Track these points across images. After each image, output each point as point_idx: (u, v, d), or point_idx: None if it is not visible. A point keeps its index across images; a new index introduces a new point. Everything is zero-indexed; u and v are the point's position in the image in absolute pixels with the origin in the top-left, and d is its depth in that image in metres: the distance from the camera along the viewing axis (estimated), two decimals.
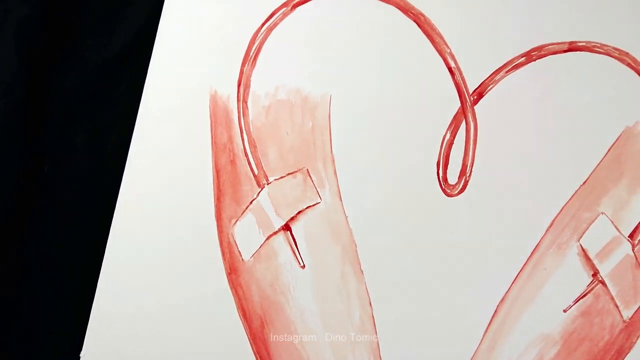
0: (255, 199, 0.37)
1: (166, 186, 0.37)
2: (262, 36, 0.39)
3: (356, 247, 0.37)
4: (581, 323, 0.37)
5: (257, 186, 0.37)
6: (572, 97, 0.39)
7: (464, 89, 0.38)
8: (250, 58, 0.38)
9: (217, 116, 0.38)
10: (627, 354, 0.37)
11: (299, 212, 0.37)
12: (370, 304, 0.37)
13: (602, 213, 0.38)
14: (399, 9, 0.39)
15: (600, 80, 0.39)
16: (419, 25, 0.39)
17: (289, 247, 0.37)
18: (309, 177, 0.38)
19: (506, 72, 0.39)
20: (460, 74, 0.39)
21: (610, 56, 0.39)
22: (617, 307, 0.37)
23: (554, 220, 0.38)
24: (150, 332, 0.36)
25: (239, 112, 0.38)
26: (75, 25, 0.39)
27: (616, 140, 0.38)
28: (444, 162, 0.38)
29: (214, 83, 0.38)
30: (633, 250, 0.38)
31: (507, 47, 0.39)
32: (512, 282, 0.37)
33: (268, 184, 0.38)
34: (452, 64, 0.39)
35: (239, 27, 0.39)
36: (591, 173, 0.38)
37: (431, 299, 0.37)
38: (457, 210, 0.38)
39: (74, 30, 0.38)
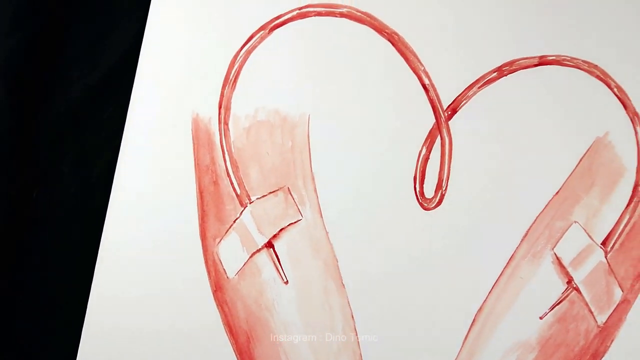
0: (238, 218, 0.39)
1: (151, 208, 0.39)
2: (241, 59, 0.40)
3: (337, 262, 0.39)
4: (557, 329, 0.39)
5: (239, 205, 0.39)
6: (543, 110, 0.40)
7: (438, 105, 0.40)
8: (230, 81, 0.40)
9: (200, 138, 0.39)
10: (601, 358, 0.38)
11: (281, 230, 0.39)
12: (353, 316, 0.38)
13: (575, 222, 0.39)
14: (373, 28, 0.41)
15: (570, 93, 0.41)
16: (393, 44, 0.40)
17: (273, 264, 0.39)
18: (290, 195, 0.39)
19: (479, 87, 0.40)
20: (435, 90, 0.40)
21: (580, 69, 0.41)
22: (591, 312, 0.39)
23: (528, 230, 0.39)
24: (139, 349, 0.38)
25: (220, 134, 0.39)
26: (60, 54, 0.40)
27: (587, 151, 0.40)
28: (420, 176, 0.39)
29: (195, 106, 0.40)
30: (606, 257, 0.39)
31: (479, 63, 0.40)
32: (489, 291, 0.39)
33: (250, 203, 0.39)
34: (426, 81, 0.40)
35: (219, 51, 0.40)
36: (563, 183, 0.40)
37: (411, 311, 0.38)
38: (434, 223, 0.39)
39: (59, 59, 0.40)
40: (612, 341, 0.39)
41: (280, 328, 0.39)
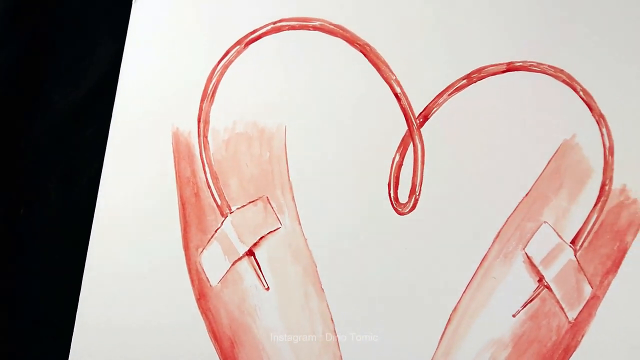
0: (219, 228, 0.41)
1: (135, 221, 0.41)
2: (218, 74, 0.42)
3: (316, 267, 0.40)
4: (530, 326, 0.40)
5: (220, 216, 0.41)
6: (511, 115, 0.42)
7: (410, 113, 0.42)
8: (208, 95, 0.42)
9: (180, 152, 0.41)
10: (573, 352, 0.40)
11: (261, 238, 0.41)
12: (332, 320, 0.40)
13: (545, 222, 0.41)
14: (345, 40, 0.42)
15: (538, 97, 0.42)
16: (365, 55, 0.42)
17: (254, 271, 0.40)
18: (269, 204, 0.41)
19: (449, 94, 0.42)
20: (406, 99, 0.42)
21: (546, 74, 0.42)
22: (562, 309, 0.41)
23: (500, 232, 0.41)
24: (127, 356, 0.39)
25: (200, 147, 0.41)
26: (42, 74, 0.42)
27: (555, 153, 0.42)
28: (394, 182, 0.41)
29: (175, 121, 0.41)
30: (575, 255, 0.41)
31: (448, 71, 0.42)
32: (464, 292, 0.40)
33: (231, 213, 0.41)
34: (398, 90, 0.42)
35: (196, 66, 0.42)
36: (533, 185, 0.41)
37: (388, 312, 0.40)
38: (408, 227, 0.41)
39: (41, 80, 0.42)
40: (582, 336, 0.41)
41: (262, 333, 0.40)
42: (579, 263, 0.41)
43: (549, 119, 0.42)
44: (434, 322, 0.41)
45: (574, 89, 0.43)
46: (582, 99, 0.43)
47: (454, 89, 0.42)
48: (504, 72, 0.43)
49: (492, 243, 0.41)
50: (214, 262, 0.41)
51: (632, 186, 0.42)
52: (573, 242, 0.42)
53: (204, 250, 0.41)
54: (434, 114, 0.42)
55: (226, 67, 0.42)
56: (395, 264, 0.41)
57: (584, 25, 0.43)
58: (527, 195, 0.42)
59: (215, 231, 0.41)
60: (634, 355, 0.40)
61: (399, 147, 0.42)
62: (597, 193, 0.42)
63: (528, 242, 0.41)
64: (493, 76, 0.43)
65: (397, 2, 0.43)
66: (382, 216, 0.41)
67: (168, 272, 0.41)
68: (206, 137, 0.42)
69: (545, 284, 0.41)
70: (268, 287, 0.41)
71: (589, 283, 0.41)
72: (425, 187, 0.42)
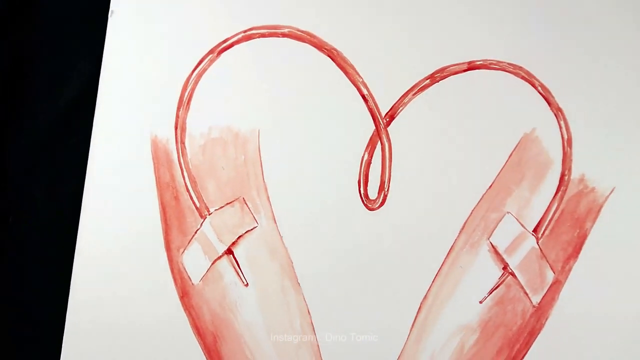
0: (199, 229, 0.43)
1: (119, 225, 0.43)
2: (192, 82, 0.44)
3: (292, 263, 0.43)
4: (496, 312, 0.43)
5: (199, 217, 0.43)
6: (474, 112, 0.44)
7: (377, 113, 0.44)
8: (184, 103, 0.44)
9: (159, 158, 0.44)
10: (537, 335, 0.43)
11: (239, 237, 0.43)
12: (309, 312, 0.43)
13: (508, 212, 0.44)
14: (313, 46, 0.45)
15: (498, 94, 0.45)
16: (332, 59, 0.45)
17: (233, 269, 0.43)
18: (245, 205, 0.43)
19: (413, 94, 0.44)
20: (373, 100, 0.44)
21: (506, 71, 0.45)
22: (526, 294, 0.43)
23: (465, 223, 0.44)
24: (116, 354, 0.42)
25: (178, 153, 0.44)
26: (25, 88, 0.44)
27: (516, 146, 0.44)
28: (364, 180, 0.44)
29: (153, 128, 0.44)
30: (537, 243, 0.44)
31: (412, 72, 0.45)
32: (432, 281, 0.43)
33: (209, 214, 0.43)
34: (365, 92, 0.44)
35: (172, 76, 0.44)
36: (496, 178, 0.44)
37: (361, 302, 0.43)
38: (379, 222, 0.43)
39: (24, 93, 0.44)
40: (546, 319, 0.43)
41: (243, 327, 0.43)
42: (541, 250, 0.44)
43: (510, 114, 0.45)
44: (405, 311, 0.43)
45: (533, 85, 0.45)
46: (541, 94, 0.45)
47: (418, 88, 0.45)
48: (465, 71, 0.45)
49: (459, 234, 0.44)
50: (195, 261, 0.43)
51: (590, 175, 0.45)
52: (535, 230, 0.44)
53: (185, 251, 0.43)
54: (399, 114, 0.45)
55: (200, 75, 0.45)
56: (366, 257, 0.44)
57: (540, 24, 0.46)
58: (490, 187, 0.44)
59: (195, 232, 0.44)
60: (595, 337, 0.43)
61: (367, 146, 0.45)
62: (557, 183, 0.45)
63: (492, 232, 0.44)
64: (455, 75, 0.45)
65: (362, 8, 0.46)
66: (353, 212, 0.44)
67: (152, 272, 0.43)
68: (183, 143, 0.44)
69: (510, 271, 0.44)
70: (247, 284, 0.43)
71: (551, 269, 0.44)
72: (394, 183, 0.44)
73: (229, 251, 0.44)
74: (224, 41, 0.45)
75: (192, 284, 0.44)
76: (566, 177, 0.45)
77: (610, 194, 0.45)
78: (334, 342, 0.43)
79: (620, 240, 0.44)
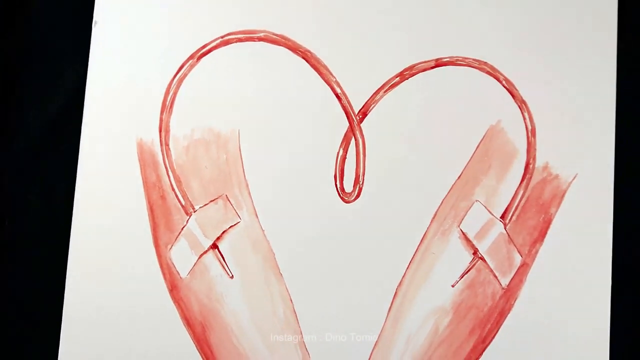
0: (185, 225, 0.46)
1: (109, 224, 0.46)
2: (174, 87, 0.47)
3: (274, 255, 0.46)
4: (467, 294, 0.46)
5: (185, 215, 0.46)
6: (442, 106, 0.47)
7: (351, 111, 0.47)
8: (167, 107, 0.47)
9: (145, 160, 0.46)
10: (507, 315, 0.46)
11: (223, 232, 0.46)
12: (291, 300, 0.46)
13: (477, 201, 0.47)
14: (288, 48, 0.48)
15: (465, 89, 0.48)
16: (306, 60, 0.47)
17: (218, 262, 0.46)
18: (228, 202, 0.46)
19: (384, 92, 0.47)
20: (346, 98, 0.47)
21: (471, 67, 0.48)
22: (496, 277, 0.46)
23: (436, 212, 0.47)
24: (111, 345, 0.45)
25: (162, 154, 0.46)
26: (16, 96, 0.47)
27: (483, 138, 0.47)
28: (339, 174, 0.47)
29: (139, 132, 0.47)
30: (505, 228, 0.47)
31: (383, 71, 0.48)
32: (407, 268, 0.46)
33: (194, 211, 0.46)
34: (339, 90, 0.47)
35: (154, 81, 0.47)
36: (464, 168, 0.47)
37: (340, 289, 0.46)
38: (355, 213, 0.47)
39: (15, 100, 0.47)
40: (515, 300, 0.47)
41: (230, 317, 0.46)
42: (508, 235, 0.47)
43: (476, 107, 0.48)
44: (382, 296, 0.46)
45: (497, 79, 0.48)
46: (505, 87, 0.48)
47: (388, 86, 0.48)
48: (432, 67, 0.48)
49: (430, 222, 0.47)
50: (182, 256, 0.46)
51: (554, 163, 0.48)
52: (503, 216, 0.47)
53: (173, 247, 0.46)
54: (372, 111, 0.48)
55: (181, 80, 0.48)
56: (344, 246, 0.47)
57: (503, 21, 0.49)
58: (459, 177, 0.47)
59: (182, 229, 0.47)
60: (561, 315, 0.46)
61: (342, 143, 0.47)
62: (522, 171, 0.48)
63: (462, 219, 0.47)
64: (423, 72, 0.48)
65: (333, 12, 0.48)
66: (330, 205, 0.47)
67: (142, 268, 0.46)
68: (168, 145, 0.47)
69: (480, 255, 0.47)
70: (232, 276, 0.46)
71: (519, 252, 0.47)
72: (368, 176, 0.47)
73: (214, 246, 0.47)
74: (203, 47, 0.48)
75: (181, 277, 0.47)
76: (531, 166, 0.48)
77: (573, 180, 0.48)
78: (316, 327, 0.46)
79: (583, 223, 0.47)
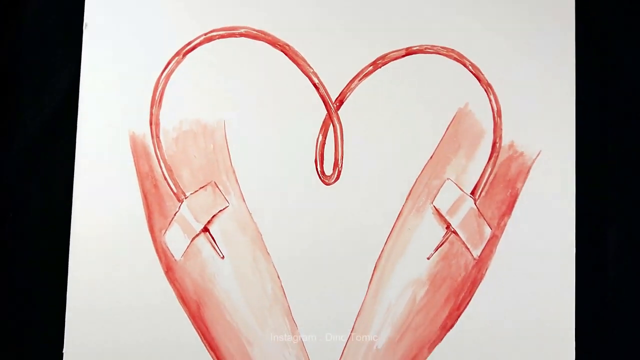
0: (177, 211, 0.50)
1: (107, 213, 0.50)
2: (162, 82, 0.51)
3: (261, 236, 0.50)
4: (442, 266, 0.50)
5: (177, 201, 0.50)
6: (413, 92, 0.51)
7: (328, 99, 0.51)
8: (156, 101, 0.51)
9: (138, 151, 0.50)
10: (479, 284, 0.50)
11: (213, 216, 0.50)
12: (279, 277, 0.50)
13: (448, 179, 0.51)
14: (268, 43, 0.51)
15: (434, 75, 0.52)
16: (285, 53, 0.51)
17: (210, 245, 0.50)
18: (217, 188, 0.50)
19: (359, 80, 0.51)
20: (324, 87, 0.51)
21: (439, 54, 0.52)
22: (468, 249, 0.50)
23: (411, 190, 0.51)
24: (113, 324, 0.49)
25: (154, 146, 0.50)
26: (15, 95, 0.51)
27: (452, 120, 0.51)
28: (320, 158, 0.51)
29: (131, 126, 0.51)
30: (475, 204, 0.51)
31: (357, 60, 0.52)
32: (385, 243, 0.50)
33: (186, 198, 0.50)
34: (316, 81, 0.51)
35: (143, 78, 0.51)
36: (435, 149, 0.51)
37: (323, 265, 0.50)
38: (335, 194, 0.51)
39: (14, 99, 0.51)
40: (486, 269, 0.51)
41: (222, 294, 0.50)
42: (478, 210, 0.51)
43: (445, 92, 0.52)
44: (362, 271, 0.50)
45: (464, 65, 0.52)
46: (472, 72, 0.52)
47: (362, 75, 0.52)
48: (403, 56, 0.52)
49: (405, 200, 0.51)
50: (176, 240, 0.50)
51: (519, 142, 0.52)
52: (473, 192, 0.51)
53: (167, 231, 0.50)
54: (348, 98, 0.52)
55: (169, 76, 0.51)
56: (326, 225, 0.51)
57: (469, 10, 0.52)
58: (431, 157, 0.51)
59: (174, 214, 0.50)
60: (530, 282, 0.50)
61: (321, 129, 0.51)
62: (489, 150, 0.52)
63: (435, 196, 0.51)
64: (395, 61, 0.52)
65: (309, 7, 0.52)
66: (312, 188, 0.51)
67: (139, 253, 0.50)
68: (158, 137, 0.51)
69: (452, 229, 0.51)
70: (223, 256, 0.50)
71: (489, 225, 0.51)
72: (346, 160, 0.51)
73: (205, 229, 0.51)
74: (188, 44, 0.52)
75: (175, 260, 0.50)
76: (497, 144, 0.52)
77: (537, 157, 0.52)
78: (303, 301, 0.50)
79: (547, 196, 0.51)
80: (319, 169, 0.51)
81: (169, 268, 0.51)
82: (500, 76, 0.52)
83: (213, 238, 0.51)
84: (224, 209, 0.51)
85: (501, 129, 0.52)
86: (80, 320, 0.50)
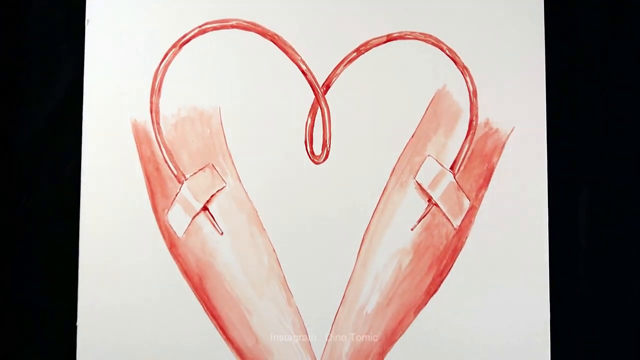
0: (178, 192, 0.54)
1: (113, 196, 0.55)
2: (161, 72, 0.55)
3: (257, 213, 0.54)
4: (425, 236, 0.55)
5: (178, 183, 0.54)
6: (394, 75, 0.56)
7: (316, 84, 0.55)
8: (155, 90, 0.55)
9: (140, 138, 0.54)
10: (460, 251, 0.55)
11: (212, 196, 0.54)
12: (274, 250, 0.54)
13: (429, 155, 0.55)
14: (258, 33, 0.55)
15: (414, 59, 0.56)
16: (274, 43, 0.55)
17: (209, 222, 0.54)
18: (214, 170, 0.54)
19: (344, 66, 0.55)
20: (311, 73, 0.55)
21: (418, 40, 0.56)
22: (448, 220, 0.55)
23: (394, 167, 0.55)
24: (122, 296, 0.53)
25: (155, 132, 0.55)
26: (24, 89, 0.55)
27: (431, 101, 0.56)
28: (309, 140, 0.55)
29: (132, 114, 0.55)
30: (454, 178, 0.55)
31: (341, 47, 0.56)
32: (371, 216, 0.55)
33: (186, 180, 0.54)
34: (304, 67, 0.55)
35: (143, 69, 0.56)
36: (416, 128, 0.55)
37: (315, 238, 0.54)
38: (324, 173, 0.55)
39: (23, 93, 0.55)
40: (466, 238, 0.55)
41: (222, 267, 0.54)
42: (457, 183, 0.55)
43: (424, 75, 0.56)
44: (351, 242, 0.55)
45: (441, 49, 0.56)
46: (448, 56, 0.56)
47: (347, 61, 0.56)
48: (384, 42, 0.56)
49: (390, 176, 0.55)
50: (178, 218, 0.55)
51: (493, 119, 0.56)
52: (452, 167, 0.56)
53: (169, 211, 0.55)
54: (334, 83, 0.56)
55: (167, 66, 0.55)
56: (317, 201, 0.55)
57: None
58: (412, 136, 0.56)
59: (176, 195, 0.55)
60: (505, 248, 0.55)
61: (309, 112, 0.55)
62: (466, 128, 0.56)
63: (417, 172, 0.55)
64: (376, 47, 0.56)
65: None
66: (303, 167, 0.55)
67: (144, 231, 0.55)
68: (159, 124, 0.55)
69: (434, 202, 0.55)
70: (222, 233, 0.55)
71: (467, 197, 0.55)
72: (334, 140, 0.56)
73: (205, 208, 0.55)
74: (184, 36, 0.56)
75: (178, 237, 0.55)
76: (474, 122, 0.56)
77: (511, 133, 0.56)
78: (297, 272, 0.55)
79: (520, 169, 0.56)
80: (308, 150, 0.55)
81: (173, 244, 0.55)
82: (475, 59, 0.56)
83: (212, 216, 0.55)
84: (221, 188, 0.55)
85: (477, 108, 0.56)
86: (92, 293, 0.54)
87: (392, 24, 0.57)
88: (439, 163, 0.56)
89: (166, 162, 0.55)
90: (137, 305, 0.54)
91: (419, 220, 0.56)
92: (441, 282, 0.55)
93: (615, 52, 0.58)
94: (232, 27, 0.56)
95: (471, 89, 0.56)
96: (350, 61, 0.56)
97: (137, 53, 0.56)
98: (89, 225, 0.54)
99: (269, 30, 0.56)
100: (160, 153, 0.55)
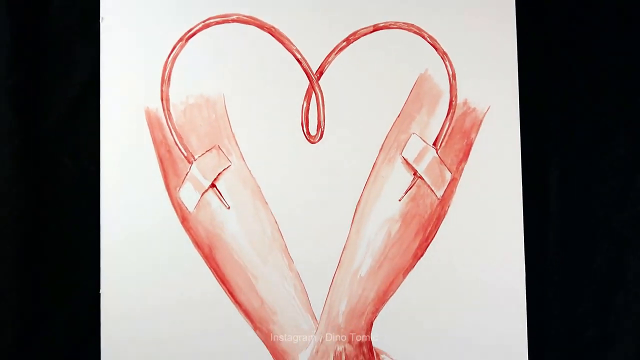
0: (188, 171, 0.61)
1: (129, 176, 0.61)
2: (170, 64, 0.61)
3: (260, 188, 0.61)
4: (411, 206, 0.61)
5: (188, 163, 0.61)
6: (381, 62, 0.62)
7: (310, 71, 0.61)
8: (165, 80, 0.61)
9: (152, 123, 0.61)
10: (443, 219, 0.61)
11: (219, 174, 0.61)
12: (276, 221, 0.61)
13: (414, 133, 0.62)
14: (256, 26, 0.62)
15: (398, 47, 0.62)
16: (272, 34, 0.62)
17: (217, 198, 0.61)
18: (220, 151, 0.61)
19: (335, 54, 0.62)
20: (305, 61, 0.62)
21: (402, 29, 0.62)
22: (432, 191, 0.61)
23: (383, 144, 0.61)
24: (141, 264, 0.59)
25: (165, 118, 0.61)
26: (47, 80, 0.61)
27: (414, 84, 0.62)
28: (305, 121, 0.61)
29: (146, 102, 0.61)
30: (437, 153, 0.62)
31: (332, 37, 0.62)
32: (363, 189, 0.61)
33: (195, 160, 0.61)
34: (299, 56, 0.61)
35: (154, 61, 0.62)
36: (402, 108, 0.62)
37: (312, 209, 0.61)
38: (319, 151, 0.62)
39: (45, 82, 0.61)
40: (448, 207, 0.62)
41: (230, 239, 0.61)
42: (440, 158, 0.62)
43: (407, 60, 0.63)
44: (345, 212, 0.62)
45: (423, 37, 0.63)
46: (430, 43, 0.63)
47: (338, 49, 0.62)
48: (371, 32, 0.62)
49: (379, 153, 0.62)
50: (188, 195, 0.61)
51: (471, 99, 0.63)
52: (434, 143, 0.62)
53: (180, 189, 0.61)
54: (327, 70, 0.62)
55: (175, 58, 0.62)
56: (313, 177, 0.62)
57: None
58: (398, 116, 0.62)
59: (186, 174, 0.61)
60: (483, 215, 0.61)
61: (305, 96, 0.62)
62: (447, 108, 0.63)
63: (403, 148, 0.62)
64: (364, 36, 0.62)
65: None
66: (299, 146, 0.62)
67: (158, 207, 0.61)
68: (169, 110, 0.61)
69: (419, 175, 0.62)
70: (229, 207, 0.61)
71: (449, 170, 0.62)
72: (327, 122, 0.62)
73: (213, 185, 0.61)
74: (189, 30, 0.62)
75: (189, 212, 0.61)
76: (454, 103, 0.62)
77: (487, 111, 0.62)
78: (296, 241, 0.61)
79: (496, 144, 0.62)
80: (305, 131, 0.62)
81: (184, 219, 0.61)
82: (454, 45, 0.63)
83: (219, 192, 0.62)
84: (227, 167, 0.62)
85: (456, 90, 0.63)
86: (114, 264, 0.60)
87: (378, 15, 0.63)
88: (423, 140, 0.62)
89: (177, 144, 0.62)
90: (154, 273, 0.61)
91: (406, 192, 0.62)
92: (427, 246, 0.62)
93: (582, 37, 0.65)
94: (233, 21, 0.63)
95: (450, 73, 0.63)
96: (341, 50, 0.63)
97: (147, 46, 0.62)
98: (109, 203, 0.61)
99: (266, 23, 0.63)
100: (171, 137, 0.62)
